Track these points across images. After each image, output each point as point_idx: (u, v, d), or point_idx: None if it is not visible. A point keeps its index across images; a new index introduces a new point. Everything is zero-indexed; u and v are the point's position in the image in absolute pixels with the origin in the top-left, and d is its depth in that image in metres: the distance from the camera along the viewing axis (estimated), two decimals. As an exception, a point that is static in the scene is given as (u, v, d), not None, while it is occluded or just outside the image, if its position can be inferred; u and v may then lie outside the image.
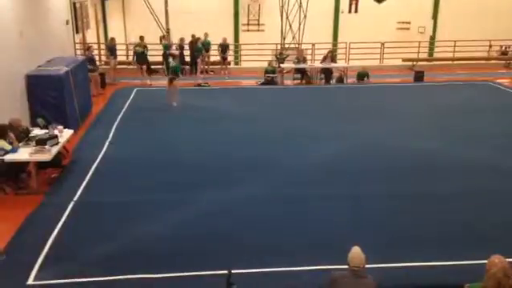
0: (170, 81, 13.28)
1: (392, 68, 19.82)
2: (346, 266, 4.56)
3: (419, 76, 17.70)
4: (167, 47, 18.15)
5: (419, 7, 23.10)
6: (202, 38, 18.34)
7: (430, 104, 14.16)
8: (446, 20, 22.89)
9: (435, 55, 22.64)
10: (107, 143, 10.45)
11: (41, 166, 8.41)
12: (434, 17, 23.38)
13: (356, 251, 4.56)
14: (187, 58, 18.35)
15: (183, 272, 5.81)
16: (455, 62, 20.91)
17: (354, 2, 23.89)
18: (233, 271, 4.71)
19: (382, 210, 7.49)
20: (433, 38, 23.41)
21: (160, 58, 17.84)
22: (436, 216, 7.30)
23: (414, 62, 20.25)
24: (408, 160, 9.56)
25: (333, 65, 17.74)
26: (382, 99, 14.89)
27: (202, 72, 18.08)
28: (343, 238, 6.13)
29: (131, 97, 14.68)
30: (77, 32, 16.78)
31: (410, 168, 9.20)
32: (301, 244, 6.48)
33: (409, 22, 23.39)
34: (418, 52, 20.92)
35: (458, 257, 6.12)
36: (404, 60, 20.27)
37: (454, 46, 20.77)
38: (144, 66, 17.67)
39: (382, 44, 20.11)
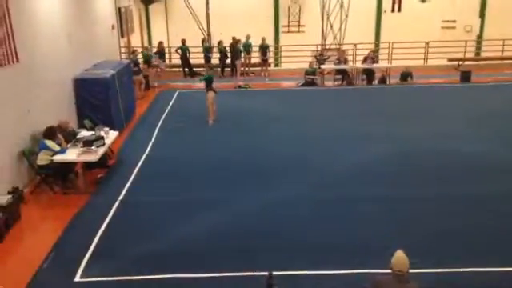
0: (207, 91, 12.44)
1: (437, 68, 19.29)
2: (389, 271, 4.47)
3: (466, 76, 17.12)
4: (208, 50, 18.41)
5: (465, 5, 22.38)
6: (243, 39, 18.46)
7: (478, 105, 13.70)
8: (494, 18, 22.06)
9: (482, 54, 21.87)
10: (150, 145, 10.67)
11: (88, 166, 8.69)
12: (482, 15, 22.59)
13: (400, 255, 4.46)
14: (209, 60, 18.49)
15: (223, 272, 5.85)
16: (504, 62, 20.11)
17: (396, 1, 23.44)
18: (274, 273, 4.70)
19: (429, 213, 7.31)
20: (480, 36, 22.62)
21: (201, 61, 18.12)
22: (484, 219, 7.07)
23: (460, 62, 19.64)
24: (455, 162, 9.29)
25: (374, 65, 17.44)
26: (426, 100, 14.52)
27: (242, 74, 18.17)
28: (387, 241, 6.01)
29: (173, 99, 14.95)
30: (122, 36, 17.25)
31: (458, 170, 8.96)
32: (343, 246, 6.41)
33: (454, 21, 22.70)
34: (465, 51, 20.26)
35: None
36: (450, 60, 19.69)
37: (503, 45, 19.98)
38: (186, 69, 18.00)
39: (427, 43, 19.60)
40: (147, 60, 16.90)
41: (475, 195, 7.86)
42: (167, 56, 19.89)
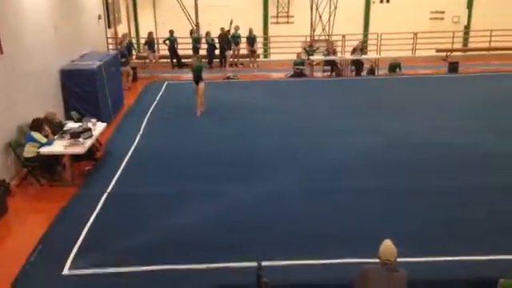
0: (196, 83, 12.26)
1: (425, 59, 19.37)
2: (377, 260, 4.50)
3: (454, 67, 17.24)
4: (197, 40, 18.28)
5: (453, -4, 22.47)
6: (232, 31, 18.37)
7: (466, 96, 13.81)
8: (482, 8, 22.16)
9: (470, 45, 22.00)
10: (138, 137, 10.61)
11: (75, 158, 8.61)
12: (469, 5, 22.67)
13: (387, 244, 4.50)
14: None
15: (213, 263, 5.85)
16: (491, 52, 20.26)
17: (385, -8, 23.41)
18: (263, 263, 4.72)
19: (420, 204, 7.37)
20: (467, 27, 22.73)
21: (190, 52, 17.99)
22: (476, 210, 7.15)
23: (448, 53, 19.74)
24: (446, 153, 9.35)
25: (363, 56, 17.46)
26: (414, 91, 14.59)
27: (231, 65, 18.10)
28: (376, 231, 6.04)
29: (162, 90, 14.86)
30: (109, 27, 17.06)
31: (449, 160, 9.03)
32: (331, 237, 6.43)
33: (443, 12, 22.76)
34: (453, 42, 20.35)
35: (493, 251, 5.97)
36: (438, 51, 19.78)
37: (490, 36, 20.11)
38: (174, 60, 17.85)
39: (415, 34, 19.66)
40: (129, 50, 16.71)
41: (467, 186, 7.93)
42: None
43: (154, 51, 18.04)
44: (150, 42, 17.96)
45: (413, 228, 6.63)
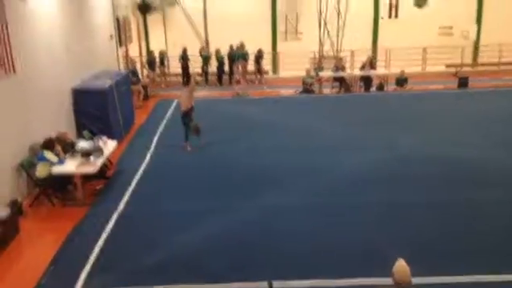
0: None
1: (435, 74, 19.33)
2: (390, 279, 4.44)
3: (464, 82, 17.17)
4: (207, 58, 18.46)
5: (462, 11, 22.44)
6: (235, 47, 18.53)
7: (477, 111, 13.71)
8: (491, 24, 22.09)
9: (480, 60, 21.93)
10: (149, 155, 10.65)
11: (86, 177, 8.65)
12: (478, 21, 22.65)
13: (400, 264, 4.42)
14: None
15: (224, 283, 5.81)
16: (501, 68, 20.17)
17: (393, 7, 23.51)
18: (274, 283, 4.68)
19: (432, 220, 7.31)
20: (477, 42, 22.68)
21: (199, 70, 18.18)
22: (475, 226, 7.07)
23: (458, 68, 19.68)
24: (457, 168, 9.30)
25: (372, 72, 17.47)
26: (424, 106, 14.55)
27: (238, 82, 18.22)
28: (389, 249, 5.98)
29: (172, 108, 14.94)
30: (120, 46, 17.28)
31: (460, 175, 8.97)
32: (344, 255, 6.38)
33: (451, 27, 22.74)
34: (462, 57, 20.32)
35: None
36: (447, 66, 19.74)
37: (500, 51, 20.05)
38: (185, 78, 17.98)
39: (424, 49, 19.65)
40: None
41: (477, 201, 7.87)
42: (165, 64, 19.96)
43: (154, 70, 18.22)
44: (151, 61, 18.15)
45: (427, 245, 6.54)
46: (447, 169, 9.28)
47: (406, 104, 15.02)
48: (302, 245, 6.67)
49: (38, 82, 9.25)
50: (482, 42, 22.22)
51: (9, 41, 7.98)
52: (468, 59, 21.43)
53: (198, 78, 12.04)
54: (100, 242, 6.91)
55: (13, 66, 8.14)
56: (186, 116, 10.84)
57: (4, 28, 7.86)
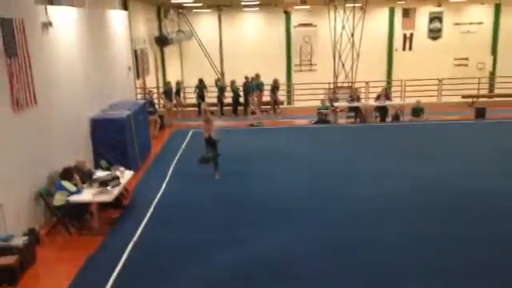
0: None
1: (451, 105, 19.25)
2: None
3: (481, 113, 17.03)
4: (222, 89, 18.68)
5: (477, 43, 22.57)
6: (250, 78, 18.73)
7: (495, 142, 13.58)
8: (506, 55, 22.17)
9: (496, 91, 21.84)
10: (164, 185, 10.68)
11: (102, 206, 8.68)
12: (493, 52, 22.71)
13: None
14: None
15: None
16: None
17: (407, 40, 23.71)
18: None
19: (452, 251, 7.19)
20: (492, 73, 22.67)
21: (215, 100, 18.37)
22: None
23: (475, 99, 19.60)
24: (474, 199, 9.17)
25: (387, 102, 17.47)
26: (442, 137, 14.45)
27: (253, 112, 18.33)
28: (411, 284, 5.84)
29: (187, 138, 15.06)
30: (138, 77, 17.59)
31: (479, 207, 8.86)
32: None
33: (467, 59, 22.84)
34: (478, 88, 20.26)
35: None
36: (464, 97, 19.67)
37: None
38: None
39: (440, 81, 19.66)
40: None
41: (499, 232, 7.74)
42: (182, 95, 20.25)
43: (171, 100, 18.40)
44: (167, 91, 18.38)
45: (447, 277, 6.40)
46: (467, 200, 9.16)
47: (423, 134, 14.93)
48: (322, 278, 6.55)
49: (57, 112, 9.39)
50: (498, 73, 22.22)
51: (31, 73, 8.16)
52: (484, 90, 21.36)
53: (206, 108, 12.21)
54: (115, 272, 6.86)
55: (34, 98, 8.30)
56: (208, 144, 11.01)
57: (26, 60, 8.04)
